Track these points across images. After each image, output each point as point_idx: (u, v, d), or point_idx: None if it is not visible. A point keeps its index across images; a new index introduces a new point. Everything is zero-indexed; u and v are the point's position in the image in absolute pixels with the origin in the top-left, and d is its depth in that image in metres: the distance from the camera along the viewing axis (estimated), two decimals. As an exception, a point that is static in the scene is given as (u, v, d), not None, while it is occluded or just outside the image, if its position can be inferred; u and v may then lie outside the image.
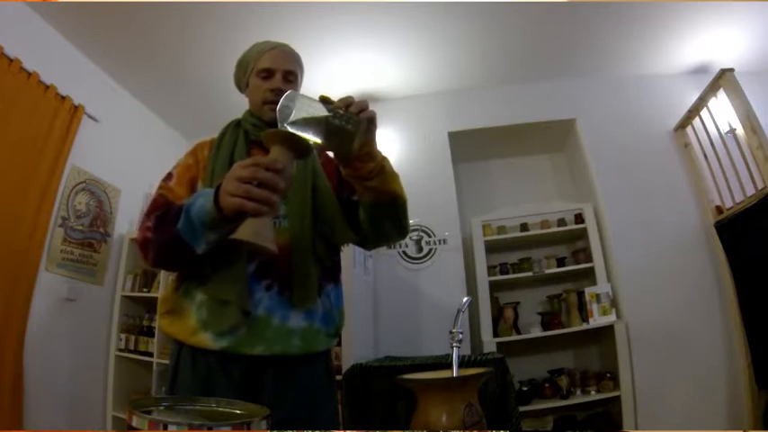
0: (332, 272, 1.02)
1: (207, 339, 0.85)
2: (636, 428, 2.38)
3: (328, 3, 2.30)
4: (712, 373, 2.48)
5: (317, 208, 0.98)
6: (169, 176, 0.98)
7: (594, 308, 2.64)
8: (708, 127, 2.68)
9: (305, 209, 0.96)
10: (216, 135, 1.06)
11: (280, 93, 0.96)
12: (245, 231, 0.65)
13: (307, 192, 0.98)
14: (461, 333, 0.92)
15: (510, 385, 1.91)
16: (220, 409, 0.53)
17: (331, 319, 0.97)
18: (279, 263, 0.89)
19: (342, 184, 1.02)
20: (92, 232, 2.54)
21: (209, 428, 0.40)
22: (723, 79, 2.44)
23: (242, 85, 1.09)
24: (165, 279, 2.61)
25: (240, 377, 0.86)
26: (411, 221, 2.98)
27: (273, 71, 1.02)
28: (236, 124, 1.06)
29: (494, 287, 2.86)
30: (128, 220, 2.82)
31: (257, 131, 1.01)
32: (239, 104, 1.12)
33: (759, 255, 2.23)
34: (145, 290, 2.71)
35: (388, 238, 1.02)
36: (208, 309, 0.87)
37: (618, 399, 2.45)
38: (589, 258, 2.82)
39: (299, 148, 0.71)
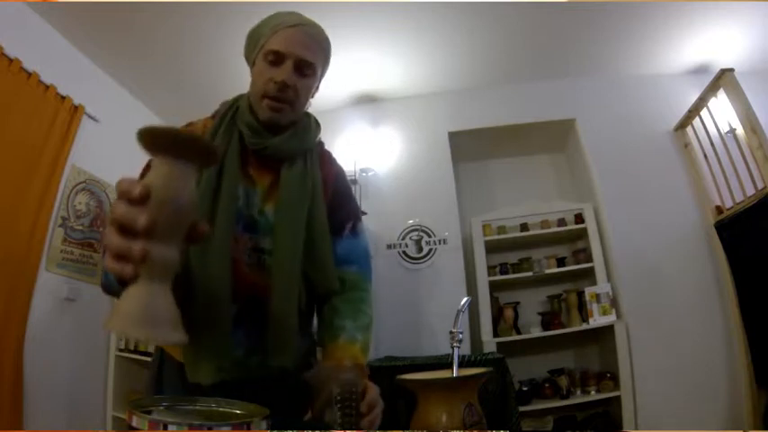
0: (306, 319, 0.87)
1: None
2: (636, 428, 2.37)
3: (328, 3, 2.30)
4: (712, 373, 2.48)
5: (309, 244, 0.82)
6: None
7: (594, 308, 2.64)
8: (708, 127, 2.68)
9: (296, 243, 0.80)
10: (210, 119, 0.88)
11: (285, 88, 0.80)
12: (115, 315, 0.41)
13: (300, 222, 0.81)
14: (461, 333, 0.91)
15: (510, 385, 1.91)
16: (220, 409, 0.53)
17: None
18: (256, 309, 0.77)
19: (332, 215, 0.88)
20: (92, 232, 2.54)
21: (210, 428, 0.40)
22: (723, 79, 2.44)
23: (249, 61, 0.88)
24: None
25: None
26: (411, 221, 3.00)
27: (284, 56, 0.80)
28: (232, 118, 0.86)
29: (494, 287, 2.86)
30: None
31: (253, 138, 0.83)
32: (240, 104, 1.10)
33: (759, 255, 2.23)
34: (145, 290, 2.71)
35: None
36: (184, 353, 0.75)
37: (618, 399, 2.45)
38: (589, 258, 2.82)
39: (192, 152, 0.45)
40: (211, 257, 0.74)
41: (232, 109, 0.87)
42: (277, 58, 0.80)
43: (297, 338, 0.81)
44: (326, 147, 0.99)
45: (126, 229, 0.42)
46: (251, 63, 0.87)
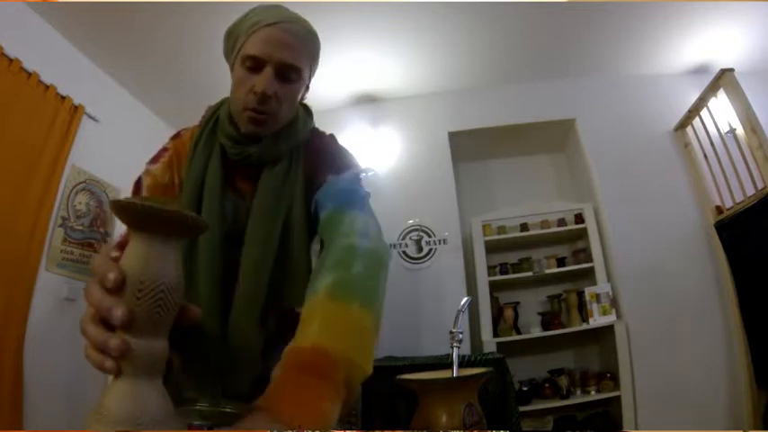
0: (282, 330, 0.72)
1: None
2: (636, 428, 2.37)
3: (328, 3, 2.30)
4: (712, 373, 2.48)
5: (284, 255, 0.74)
6: (138, 194, 0.78)
7: (594, 308, 2.64)
8: (708, 127, 2.68)
9: (263, 254, 0.73)
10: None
11: (266, 98, 0.71)
12: (96, 416, 0.37)
13: (272, 230, 0.74)
14: (461, 333, 0.91)
15: (510, 385, 1.91)
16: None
17: None
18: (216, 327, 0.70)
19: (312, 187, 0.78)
20: (92, 232, 2.54)
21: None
22: (723, 79, 2.44)
23: (229, 63, 0.79)
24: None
25: None
26: (411, 221, 3.00)
27: (263, 61, 0.70)
28: (213, 129, 0.80)
29: (494, 287, 2.86)
30: (128, 220, 2.81)
31: (234, 149, 0.77)
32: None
33: (759, 255, 2.23)
34: (145, 290, 2.70)
35: None
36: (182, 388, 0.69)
37: (618, 399, 2.45)
38: (589, 258, 2.82)
39: (172, 227, 0.40)
40: (200, 288, 0.70)
41: (212, 119, 0.81)
42: (255, 64, 0.70)
43: (255, 362, 0.70)
44: None
45: (104, 318, 0.37)
46: (230, 66, 0.77)
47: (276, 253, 0.73)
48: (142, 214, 0.37)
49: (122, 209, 0.38)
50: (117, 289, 0.37)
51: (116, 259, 0.39)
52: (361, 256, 0.59)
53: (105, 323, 0.38)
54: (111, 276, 0.37)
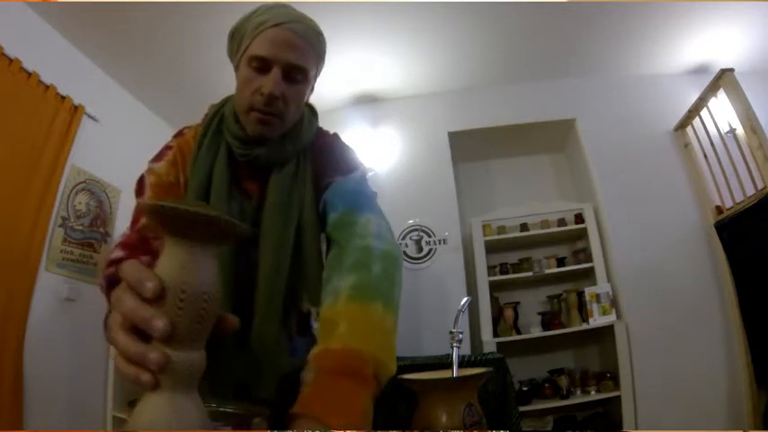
0: (301, 325, 0.78)
1: None
2: (636, 428, 2.37)
3: (328, 3, 2.30)
4: (712, 373, 2.48)
5: (299, 258, 0.74)
6: (141, 193, 0.77)
7: (594, 308, 2.63)
8: (708, 127, 2.68)
9: (278, 257, 0.72)
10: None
11: (273, 100, 0.70)
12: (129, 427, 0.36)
13: (286, 231, 0.73)
14: (461, 333, 0.91)
15: (510, 385, 1.91)
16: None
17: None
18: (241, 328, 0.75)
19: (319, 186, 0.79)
20: (92, 232, 2.54)
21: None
22: (723, 79, 2.44)
23: (233, 62, 0.78)
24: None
25: None
26: (411, 221, 3.00)
27: (270, 62, 0.70)
28: (218, 128, 0.79)
29: (494, 287, 2.86)
30: (128, 220, 2.81)
31: (241, 149, 0.76)
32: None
33: (759, 255, 2.23)
34: (145, 290, 2.70)
35: None
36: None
37: (618, 399, 2.45)
38: (589, 258, 2.82)
39: (214, 233, 0.38)
40: None
41: (217, 117, 0.80)
42: (262, 65, 0.70)
43: (280, 364, 0.71)
44: None
45: (139, 330, 0.36)
46: (235, 66, 0.77)
47: (291, 254, 0.73)
48: (184, 219, 0.35)
49: (162, 213, 0.35)
50: (156, 298, 0.35)
51: (120, 260, 0.38)
52: (378, 257, 0.62)
53: (138, 332, 0.36)
54: (151, 285, 0.34)
